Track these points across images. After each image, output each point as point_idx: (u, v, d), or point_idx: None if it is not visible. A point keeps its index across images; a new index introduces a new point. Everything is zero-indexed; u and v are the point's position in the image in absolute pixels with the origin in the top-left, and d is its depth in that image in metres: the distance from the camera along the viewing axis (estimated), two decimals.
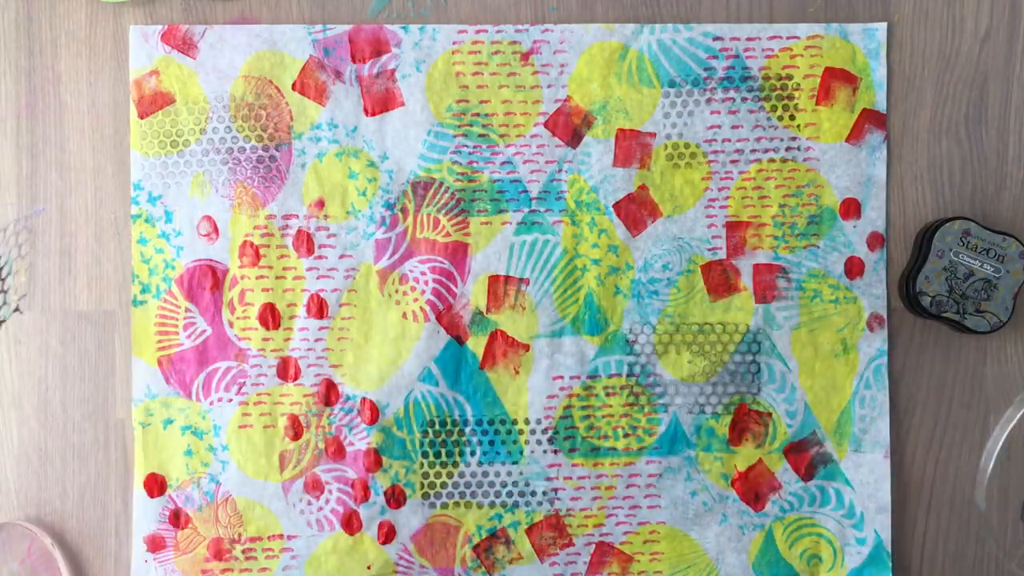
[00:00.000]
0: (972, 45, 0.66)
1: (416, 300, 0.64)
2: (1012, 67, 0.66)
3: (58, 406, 0.64)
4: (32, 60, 0.64)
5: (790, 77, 0.65)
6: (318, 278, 0.64)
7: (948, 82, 0.66)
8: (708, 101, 0.65)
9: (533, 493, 0.64)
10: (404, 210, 0.64)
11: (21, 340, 0.64)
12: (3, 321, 0.57)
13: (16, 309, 0.59)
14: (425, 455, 0.64)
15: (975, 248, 0.62)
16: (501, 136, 0.64)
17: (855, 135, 0.65)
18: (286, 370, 0.64)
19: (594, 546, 0.65)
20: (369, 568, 0.64)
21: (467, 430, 0.64)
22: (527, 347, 0.64)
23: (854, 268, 0.65)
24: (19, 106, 0.64)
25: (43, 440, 0.64)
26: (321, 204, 0.64)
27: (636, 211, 0.65)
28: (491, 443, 0.64)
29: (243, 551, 0.64)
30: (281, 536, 0.64)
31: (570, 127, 0.65)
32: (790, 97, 0.65)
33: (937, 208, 0.66)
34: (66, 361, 0.64)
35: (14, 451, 0.64)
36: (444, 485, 0.64)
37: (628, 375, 0.65)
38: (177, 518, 0.63)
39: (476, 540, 0.64)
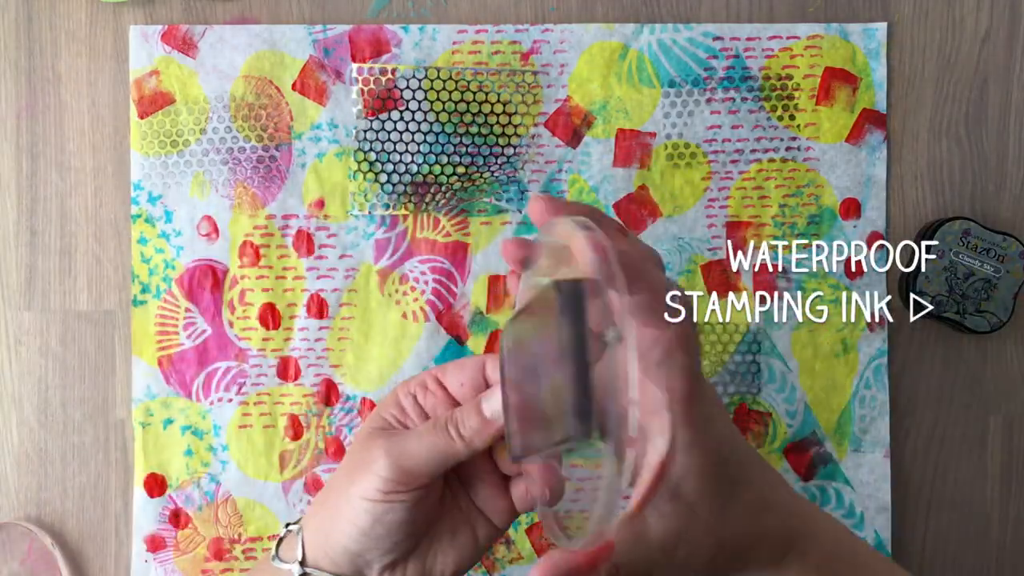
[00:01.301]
0: (972, 45, 0.65)
1: (416, 300, 0.64)
2: (1012, 67, 0.65)
3: (58, 406, 0.64)
4: (32, 60, 0.64)
5: (790, 77, 0.64)
6: (318, 278, 0.64)
7: (948, 82, 0.65)
8: (708, 101, 0.64)
9: None
10: (404, 210, 0.64)
11: (21, 340, 0.64)
12: None
13: None
14: None
15: (975, 248, 0.62)
16: (501, 136, 0.64)
17: (855, 135, 0.64)
18: (286, 370, 0.63)
19: None
20: None
21: None
22: None
23: (854, 268, 0.64)
24: (19, 106, 0.64)
25: (43, 440, 0.64)
26: (321, 204, 0.64)
27: (636, 211, 0.64)
28: None
29: (243, 551, 0.63)
30: None
31: (570, 127, 0.64)
32: (790, 97, 0.64)
33: (937, 208, 0.65)
34: (66, 361, 0.64)
35: (14, 451, 0.64)
36: None
37: None
38: (177, 518, 0.63)
39: None
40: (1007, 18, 0.65)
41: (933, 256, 0.62)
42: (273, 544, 0.48)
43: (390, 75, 0.64)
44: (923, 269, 0.62)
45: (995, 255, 0.62)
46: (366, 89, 0.63)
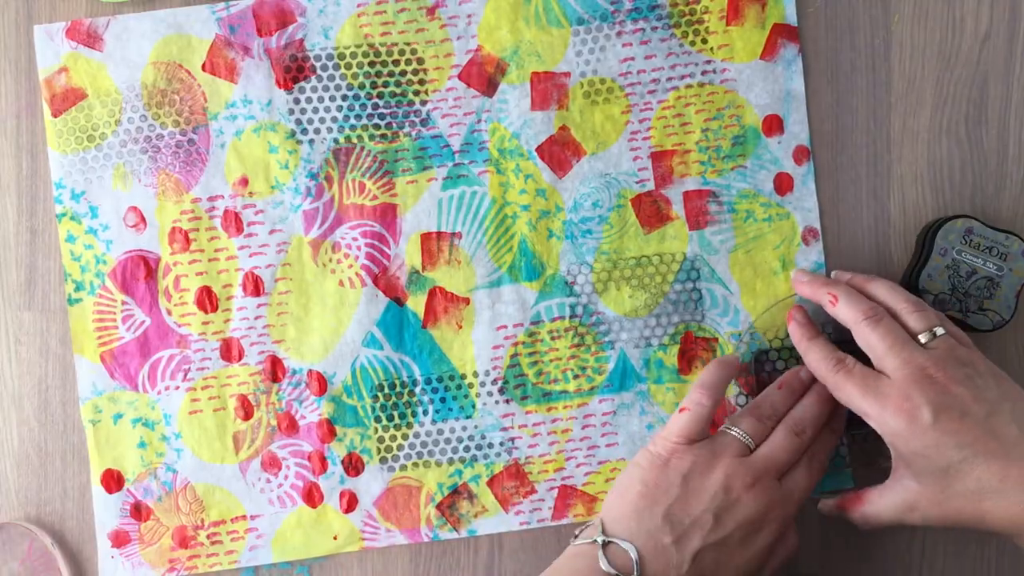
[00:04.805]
0: (972, 45, 0.63)
1: (351, 267, 0.61)
2: (1012, 67, 0.63)
3: (58, 406, 0.61)
4: None
5: (698, 1, 0.62)
6: (251, 256, 0.61)
7: (948, 82, 0.63)
8: (619, 34, 0.62)
9: (490, 445, 0.62)
10: (328, 178, 0.62)
11: (21, 340, 0.61)
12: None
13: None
14: (378, 419, 0.62)
15: (978, 246, 0.59)
16: (416, 94, 0.62)
17: (769, 51, 0.62)
18: (229, 351, 0.61)
19: (557, 490, 0.62)
20: (336, 538, 0.62)
21: (417, 390, 0.62)
22: (467, 301, 0.62)
23: (783, 184, 0.62)
24: (19, 106, 0.61)
25: (43, 440, 0.61)
26: (245, 182, 0.61)
27: (559, 152, 0.62)
28: (442, 400, 0.62)
29: (208, 536, 0.61)
30: (244, 517, 0.61)
31: (484, 76, 0.62)
32: (700, 21, 0.62)
33: (937, 208, 0.63)
34: (66, 361, 0.61)
35: (14, 451, 0.62)
36: (400, 447, 0.62)
37: (571, 316, 0.62)
38: (139, 511, 0.61)
39: (439, 498, 0.62)
40: (1007, 18, 0.63)
41: (936, 255, 0.60)
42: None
43: (299, 45, 0.61)
44: (926, 267, 0.59)
45: (998, 253, 0.60)
46: (276, 61, 0.61)
